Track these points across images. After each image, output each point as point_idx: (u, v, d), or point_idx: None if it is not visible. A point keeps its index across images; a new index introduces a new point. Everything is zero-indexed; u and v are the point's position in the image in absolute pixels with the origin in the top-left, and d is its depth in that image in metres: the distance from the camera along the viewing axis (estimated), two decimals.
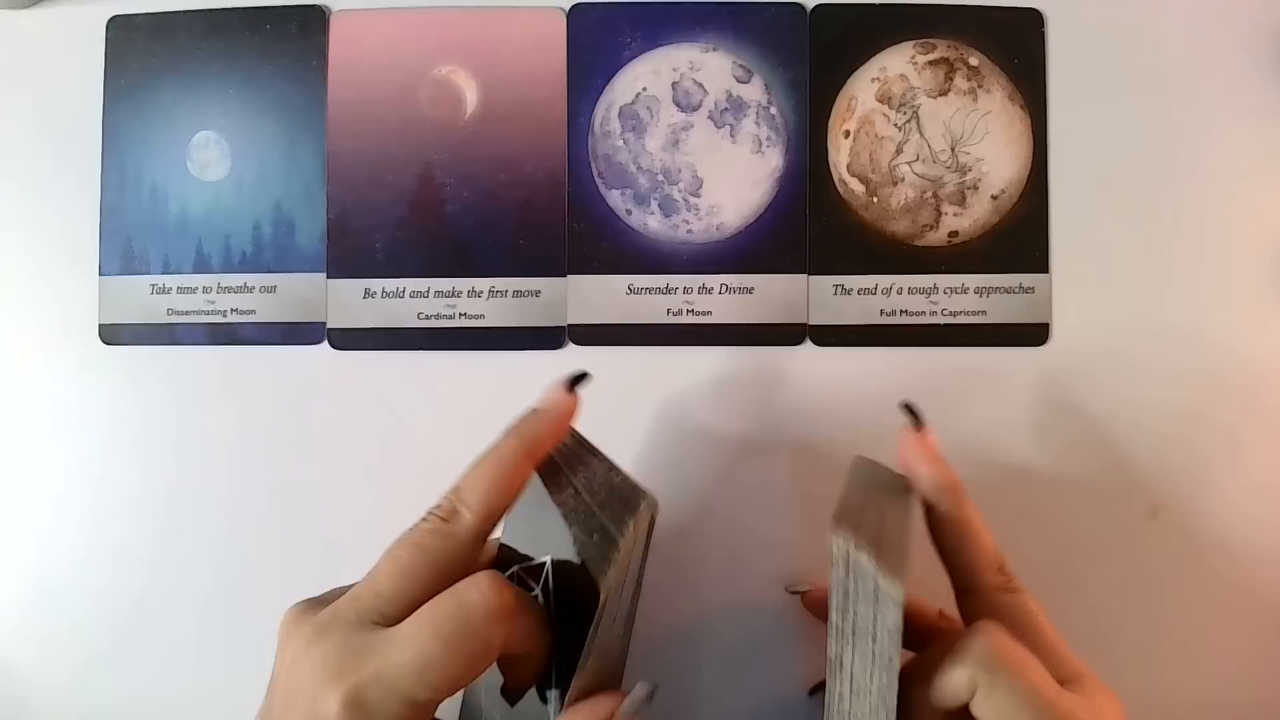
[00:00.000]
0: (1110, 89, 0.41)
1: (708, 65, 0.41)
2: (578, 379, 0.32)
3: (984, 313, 0.41)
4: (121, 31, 0.42)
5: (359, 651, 0.25)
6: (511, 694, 0.29)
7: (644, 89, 0.41)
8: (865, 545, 0.26)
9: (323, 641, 0.25)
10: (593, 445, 0.31)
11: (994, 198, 0.41)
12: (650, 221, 0.41)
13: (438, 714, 0.27)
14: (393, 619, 0.26)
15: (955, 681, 0.26)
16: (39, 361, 0.42)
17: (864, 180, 0.41)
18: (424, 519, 0.28)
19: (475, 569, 0.27)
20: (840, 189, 0.41)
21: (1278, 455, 0.40)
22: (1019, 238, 0.41)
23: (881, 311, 0.41)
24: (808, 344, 0.41)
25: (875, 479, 0.32)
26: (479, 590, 0.26)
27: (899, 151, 0.41)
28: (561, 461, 0.30)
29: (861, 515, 0.28)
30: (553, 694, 0.28)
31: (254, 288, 0.41)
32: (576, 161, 0.41)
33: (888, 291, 0.41)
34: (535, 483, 0.29)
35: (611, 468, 0.30)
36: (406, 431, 0.41)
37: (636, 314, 0.41)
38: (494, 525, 0.28)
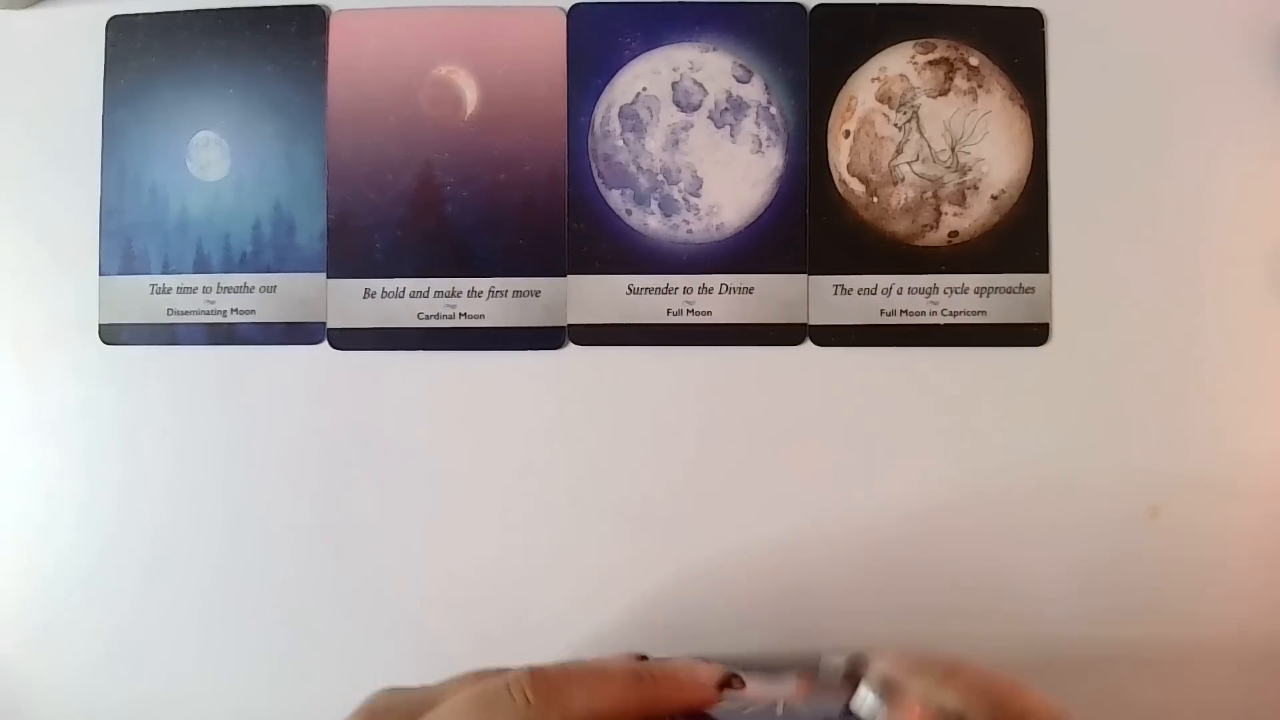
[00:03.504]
0: (1111, 89, 0.41)
1: (708, 65, 0.41)
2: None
3: (984, 313, 0.41)
4: (121, 31, 0.42)
5: None
6: None
7: (644, 89, 0.41)
8: None
9: None
10: None
11: (994, 197, 0.41)
12: (650, 221, 0.41)
13: None
14: None
15: None
16: (39, 361, 0.42)
17: (864, 180, 0.41)
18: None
19: None
20: (840, 189, 0.41)
21: (1278, 455, 0.40)
22: (1019, 238, 0.41)
23: (881, 311, 0.41)
24: (808, 344, 0.41)
25: None
26: None
27: (899, 151, 0.41)
28: None
29: None
30: None
31: (254, 288, 0.41)
32: (576, 161, 0.41)
33: (888, 291, 0.41)
34: None
35: None
36: (406, 431, 0.41)
37: (636, 314, 0.41)
38: None
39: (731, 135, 0.41)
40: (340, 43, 0.42)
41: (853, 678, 0.30)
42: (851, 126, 0.41)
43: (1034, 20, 0.41)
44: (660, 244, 0.41)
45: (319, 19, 0.42)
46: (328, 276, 0.41)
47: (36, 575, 0.41)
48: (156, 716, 0.41)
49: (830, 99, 0.41)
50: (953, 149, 0.41)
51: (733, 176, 0.41)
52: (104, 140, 0.42)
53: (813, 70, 0.41)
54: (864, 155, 0.41)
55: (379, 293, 0.41)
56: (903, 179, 0.41)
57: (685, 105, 0.41)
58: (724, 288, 0.41)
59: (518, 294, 0.41)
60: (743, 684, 0.29)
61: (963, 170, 0.41)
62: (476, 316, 0.41)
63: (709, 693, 0.28)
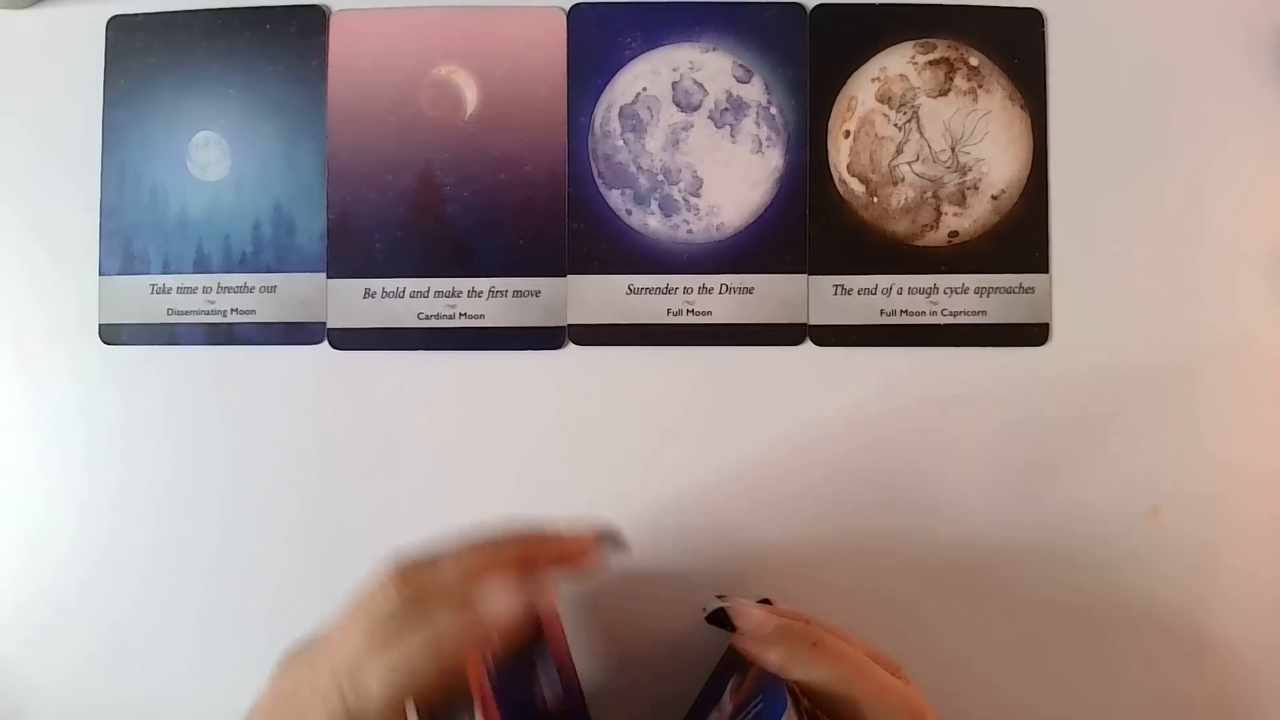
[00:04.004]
0: (1110, 89, 0.41)
1: (708, 65, 0.41)
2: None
3: (984, 313, 0.41)
4: (121, 31, 0.42)
5: None
6: None
7: (644, 89, 0.41)
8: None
9: None
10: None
11: (994, 198, 0.41)
12: (650, 221, 0.41)
13: None
14: None
15: None
16: (39, 361, 0.42)
17: (864, 180, 0.41)
18: None
19: None
20: (840, 189, 0.41)
21: (1277, 454, 0.40)
22: (1019, 238, 0.41)
23: (881, 311, 0.41)
24: (808, 344, 0.41)
25: None
26: None
27: (899, 151, 0.41)
28: None
29: None
30: None
31: (254, 288, 0.41)
32: (576, 161, 0.41)
33: (888, 291, 0.41)
34: None
35: None
36: (406, 431, 0.41)
37: (636, 314, 0.41)
38: None
39: (731, 135, 0.41)
40: (340, 43, 0.42)
41: (720, 621, 0.32)
42: (851, 126, 0.41)
43: (1034, 20, 0.41)
44: (660, 244, 0.41)
45: (319, 19, 0.42)
46: (328, 276, 0.41)
47: (36, 575, 0.41)
48: (156, 716, 0.41)
49: (830, 99, 0.41)
50: (953, 149, 0.41)
51: (733, 176, 0.41)
52: (104, 140, 0.42)
53: (813, 70, 0.41)
54: (864, 155, 0.41)
55: (379, 293, 0.41)
56: (903, 179, 0.41)
57: (685, 105, 0.41)
58: (724, 288, 0.41)
59: (518, 294, 0.41)
60: (625, 545, 0.30)
61: (963, 170, 0.41)
62: (476, 316, 0.41)
63: (587, 545, 0.29)
